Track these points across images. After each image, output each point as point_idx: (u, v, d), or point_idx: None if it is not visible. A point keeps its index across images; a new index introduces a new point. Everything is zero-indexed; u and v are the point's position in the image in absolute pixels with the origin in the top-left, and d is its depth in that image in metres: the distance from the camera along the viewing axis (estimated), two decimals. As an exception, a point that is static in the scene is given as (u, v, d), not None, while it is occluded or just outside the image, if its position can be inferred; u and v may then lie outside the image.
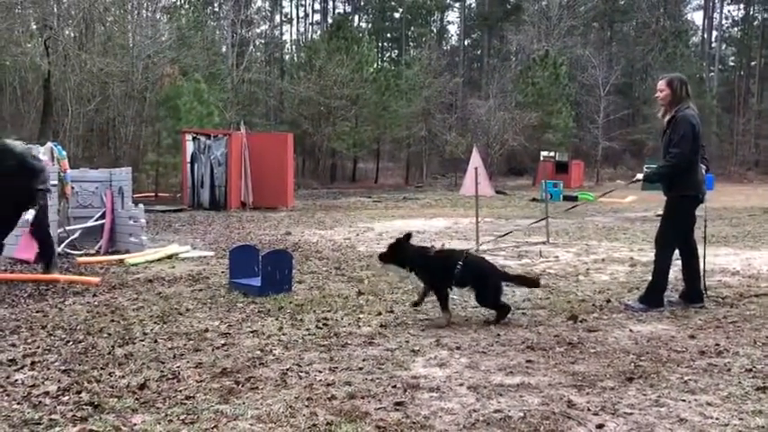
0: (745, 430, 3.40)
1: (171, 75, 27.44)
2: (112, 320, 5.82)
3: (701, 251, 6.47)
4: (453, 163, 42.58)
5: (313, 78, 37.00)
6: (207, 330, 5.43)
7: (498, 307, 5.77)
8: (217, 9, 47.79)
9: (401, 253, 5.95)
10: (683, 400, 3.81)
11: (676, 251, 6.41)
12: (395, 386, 4.05)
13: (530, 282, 6.24)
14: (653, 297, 6.24)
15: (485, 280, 5.78)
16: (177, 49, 29.46)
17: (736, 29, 65.94)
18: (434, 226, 14.74)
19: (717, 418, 3.54)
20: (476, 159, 11.11)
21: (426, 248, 6.26)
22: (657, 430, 3.40)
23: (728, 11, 65.12)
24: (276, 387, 4.04)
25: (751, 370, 4.35)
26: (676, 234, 6.33)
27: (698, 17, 66.55)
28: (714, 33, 63.72)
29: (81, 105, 25.63)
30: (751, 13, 63.91)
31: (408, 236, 6.02)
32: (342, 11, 63.14)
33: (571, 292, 7.10)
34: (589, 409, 3.67)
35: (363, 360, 4.59)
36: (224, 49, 40.40)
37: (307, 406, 3.72)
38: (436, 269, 5.80)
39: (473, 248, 10.33)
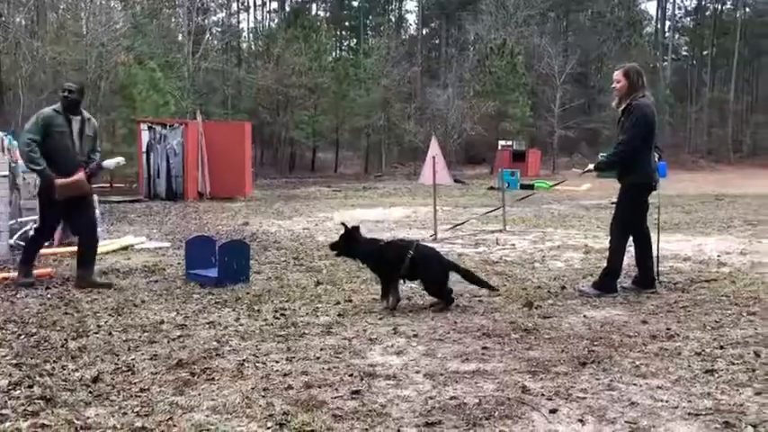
0: (693, 412, 3.47)
1: (125, 63, 26.98)
2: (66, 313, 5.73)
3: (654, 238, 6.59)
4: (412, 152, 42.74)
5: (271, 67, 36.75)
6: (162, 322, 5.38)
7: (442, 295, 5.85)
8: (173, -4, 47.08)
9: (352, 243, 5.99)
10: (635, 384, 3.89)
11: (630, 237, 6.53)
12: (352, 375, 4.06)
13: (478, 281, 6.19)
14: (607, 283, 6.35)
15: (431, 270, 5.84)
16: (132, 37, 29.01)
17: (688, 19, 67.20)
18: (393, 215, 14.78)
19: (667, 401, 3.62)
20: (434, 148, 11.11)
21: (376, 240, 6.31)
22: (609, 414, 3.46)
23: (681, 1, 66.33)
24: (232, 378, 4.03)
25: (700, 353, 4.46)
26: (630, 221, 6.44)
27: (651, 7, 67.96)
28: (667, 23, 64.94)
29: (33, 94, 25.07)
30: (703, 3, 65.21)
31: (357, 227, 6.07)
32: (299, -1, 62.71)
33: (527, 279, 7.19)
34: (543, 395, 3.72)
35: (321, 349, 4.59)
36: (180, 37, 39.86)
37: (263, 396, 3.71)
38: (386, 260, 5.85)
39: (428, 237, 10.39)
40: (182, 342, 4.80)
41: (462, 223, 11.60)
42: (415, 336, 4.93)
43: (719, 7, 64.60)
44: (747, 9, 62.39)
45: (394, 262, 5.77)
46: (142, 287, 6.83)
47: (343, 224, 6.17)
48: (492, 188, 24.77)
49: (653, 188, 6.40)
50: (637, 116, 6.17)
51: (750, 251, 8.99)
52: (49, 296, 6.43)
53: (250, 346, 4.70)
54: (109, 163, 7.56)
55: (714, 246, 9.52)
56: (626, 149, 6.23)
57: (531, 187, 23.89)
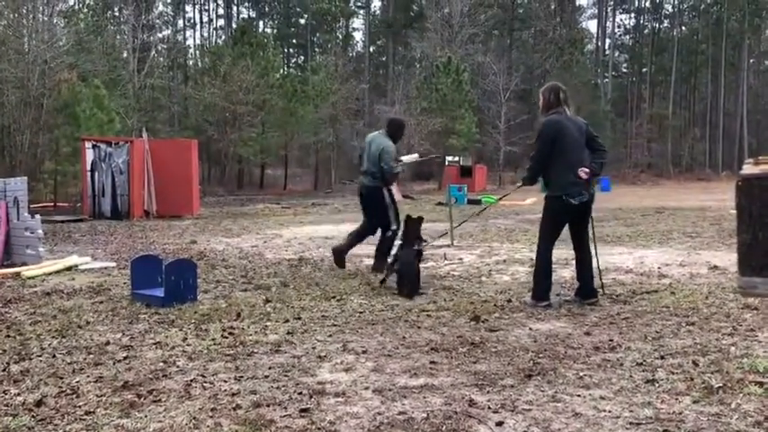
0: (634, 421, 3.55)
1: (69, 80, 26.50)
2: (8, 336, 5.60)
3: (592, 251, 6.78)
4: (361, 168, 42.75)
5: (218, 84, 36.52)
6: (108, 343, 5.30)
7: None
8: (117, 13, 46.59)
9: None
10: (579, 395, 3.96)
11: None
12: (301, 393, 4.06)
13: None
14: (536, 292, 6.52)
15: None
16: (76, 54, 28.51)
17: (627, 37, 69.07)
18: (343, 231, 14.76)
19: (609, 411, 3.71)
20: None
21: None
22: (554, 425, 3.53)
23: (621, 19, 68.25)
24: (180, 399, 3.99)
25: (641, 364, 4.57)
26: (546, 232, 6.67)
27: (592, 25, 69.32)
28: (608, 41, 66.55)
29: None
30: (642, 21, 67.17)
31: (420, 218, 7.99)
32: (246, 16, 62.60)
33: (474, 293, 7.28)
34: (489, 407, 3.77)
35: (269, 368, 4.58)
36: (125, 54, 39.35)
37: (211, 416, 3.69)
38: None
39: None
40: (128, 363, 4.74)
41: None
42: (364, 352, 4.95)
43: (657, 26, 66.63)
44: (683, 28, 64.49)
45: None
46: (87, 308, 6.71)
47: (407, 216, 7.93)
48: (440, 203, 24.97)
49: (565, 202, 6.40)
50: (538, 132, 6.64)
51: (689, 263, 9.24)
52: (-11, 319, 6.27)
53: (198, 366, 4.66)
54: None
55: (655, 258, 9.76)
56: (531, 165, 6.69)
57: (478, 202, 24.17)
